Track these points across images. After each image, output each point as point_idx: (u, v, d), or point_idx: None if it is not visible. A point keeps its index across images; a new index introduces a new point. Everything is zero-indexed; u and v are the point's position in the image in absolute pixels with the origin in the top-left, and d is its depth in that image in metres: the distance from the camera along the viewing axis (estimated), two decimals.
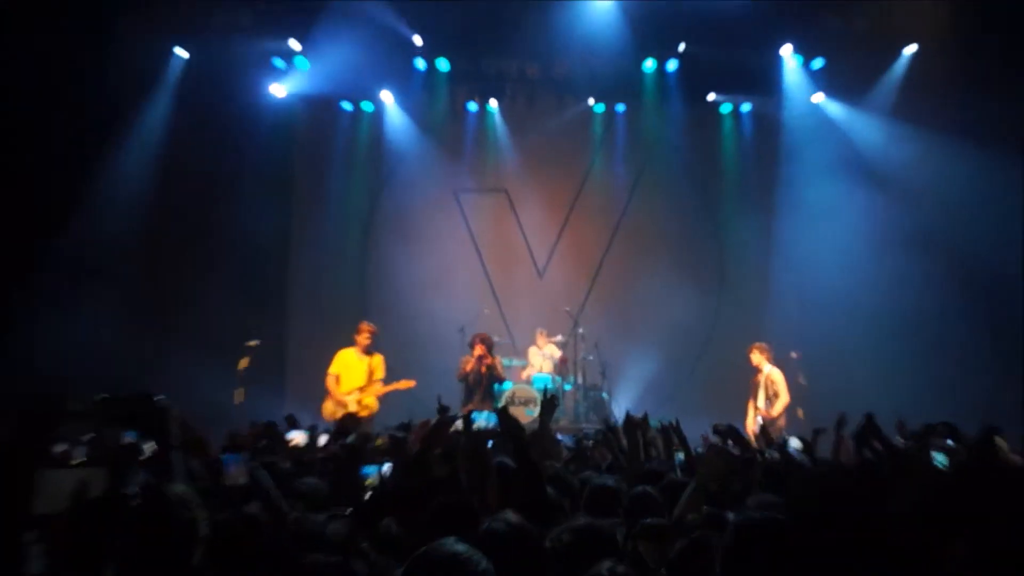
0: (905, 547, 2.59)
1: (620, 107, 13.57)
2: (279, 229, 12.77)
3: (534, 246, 13.59)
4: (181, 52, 11.66)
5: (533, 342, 12.01)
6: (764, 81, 12.66)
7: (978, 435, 4.32)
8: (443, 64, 12.92)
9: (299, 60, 12.44)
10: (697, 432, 5.98)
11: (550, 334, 11.99)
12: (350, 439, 5.03)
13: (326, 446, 5.81)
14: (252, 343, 9.61)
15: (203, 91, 11.27)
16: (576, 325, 11.82)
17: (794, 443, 5.59)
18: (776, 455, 4.85)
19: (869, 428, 4.30)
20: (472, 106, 13.52)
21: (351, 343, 9.68)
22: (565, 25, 11.75)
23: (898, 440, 4.93)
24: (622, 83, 13.06)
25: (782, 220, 12.38)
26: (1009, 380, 9.54)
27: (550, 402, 4.54)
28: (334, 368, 9.56)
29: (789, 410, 9.85)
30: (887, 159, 11.55)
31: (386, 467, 4.58)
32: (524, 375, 11.60)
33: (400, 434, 4.89)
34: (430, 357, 11.60)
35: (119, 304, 9.92)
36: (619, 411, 10.68)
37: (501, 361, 10.64)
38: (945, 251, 10.67)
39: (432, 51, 12.73)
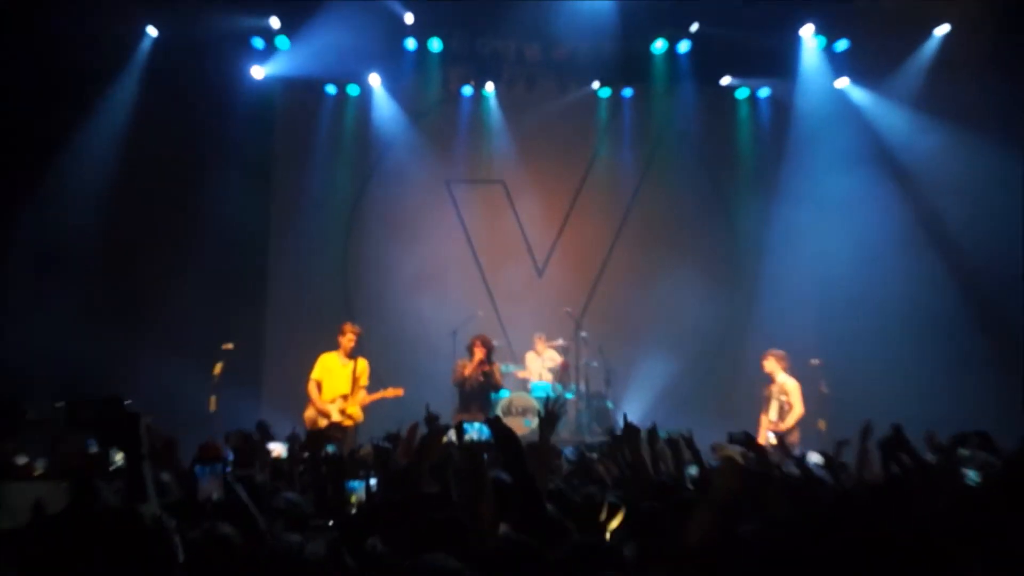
0: (928, 570, 2.60)
1: (627, 91, 13.57)
2: (257, 222, 12.74)
3: (533, 242, 13.59)
4: (151, 30, 11.64)
5: (531, 347, 12.00)
6: (783, 64, 12.68)
7: (1016, 447, 4.32)
8: (435, 44, 12.91)
9: (280, 39, 12.42)
10: (706, 447, 5.98)
11: (550, 338, 11.98)
12: (331, 450, 5.02)
13: (293, 458, 5.79)
14: (227, 346, 9.58)
15: (175, 72, 11.25)
16: (578, 328, 11.81)
17: (814, 458, 5.58)
18: (795, 470, 4.84)
19: (896, 441, 4.29)
20: (466, 90, 13.51)
21: (334, 346, 9.67)
22: (567, 2, 11.74)
23: (929, 455, 4.93)
24: (629, 65, 13.06)
25: (802, 214, 12.37)
26: None
27: (552, 416, 4.50)
28: (316, 373, 9.55)
29: (810, 421, 9.86)
30: (914, 150, 11.58)
31: (373, 481, 4.57)
32: (520, 376, 11.60)
33: (386, 445, 4.88)
34: (420, 362, 11.58)
35: (80, 301, 9.92)
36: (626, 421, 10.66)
37: (500, 368, 10.64)
38: (977, 250, 10.69)
39: (423, 30, 12.71)
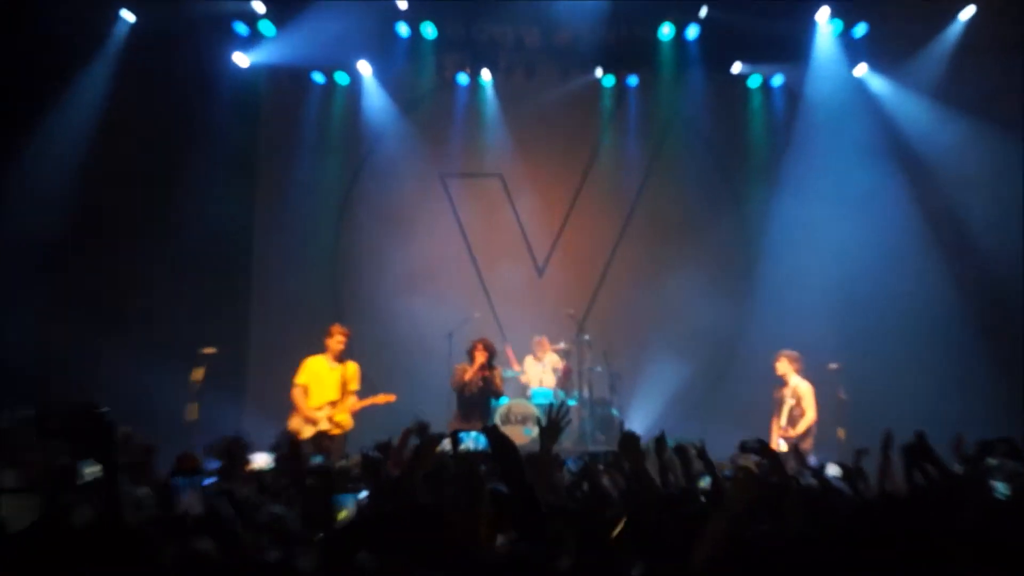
0: None
1: (632, 79, 13.55)
2: (240, 218, 12.73)
3: (532, 239, 13.58)
4: (126, 15, 11.60)
5: (531, 351, 11.97)
6: (797, 50, 12.68)
7: None
8: (429, 30, 12.90)
9: (264, 25, 12.41)
10: (725, 454, 5.96)
11: (551, 341, 11.95)
12: (318, 460, 5.00)
13: (279, 470, 5.77)
14: (208, 350, 9.56)
15: (153, 60, 11.21)
16: (581, 331, 11.79)
17: (832, 470, 5.56)
18: (812, 481, 4.82)
19: (920, 449, 4.27)
20: (462, 78, 13.49)
21: (321, 349, 9.65)
22: None
23: (955, 465, 4.90)
24: (635, 52, 13.06)
25: (818, 209, 12.35)
26: None
27: (555, 425, 4.46)
28: (302, 378, 9.52)
29: (828, 430, 9.84)
30: (934, 142, 11.57)
31: (363, 494, 4.55)
32: (520, 381, 11.57)
33: (376, 455, 4.85)
34: (413, 366, 11.57)
35: (51, 302, 9.88)
36: (632, 430, 10.65)
37: (502, 373, 10.60)
38: (1003, 248, 10.67)
39: (417, 15, 12.71)
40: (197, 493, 4.04)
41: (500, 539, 3.56)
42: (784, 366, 9.98)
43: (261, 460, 6.61)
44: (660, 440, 5.22)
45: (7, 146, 10.18)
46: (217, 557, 3.21)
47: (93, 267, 10.76)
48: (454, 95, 13.54)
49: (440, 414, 10.10)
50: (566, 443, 10.76)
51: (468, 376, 9.93)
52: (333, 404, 9.45)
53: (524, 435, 10.31)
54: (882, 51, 12.41)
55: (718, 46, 12.87)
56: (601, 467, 6.30)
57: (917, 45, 12.00)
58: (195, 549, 3.21)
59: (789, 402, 9.82)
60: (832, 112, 12.60)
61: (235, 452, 6.31)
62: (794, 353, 10.03)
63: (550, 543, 3.45)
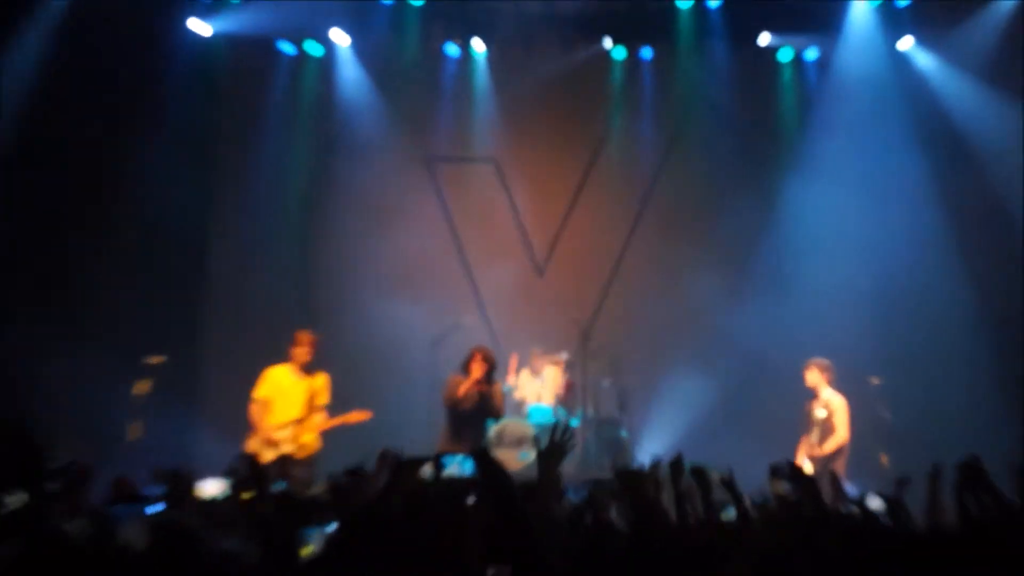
0: None
1: (646, 52, 13.52)
2: (195, 207, 12.67)
3: (531, 234, 13.56)
4: None
5: (528, 363, 11.94)
6: (833, 21, 12.68)
7: None
8: None
9: None
10: (753, 480, 5.91)
11: (551, 351, 11.92)
12: (280, 487, 4.95)
13: (233, 498, 5.74)
14: (154, 359, 9.52)
15: (96, 26, 11.15)
16: (586, 339, 11.75)
17: (875, 503, 5.52)
18: (854, 509, 4.78)
19: (974, 476, 4.24)
20: (452, 49, 13.47)
21: (286, 358, 9.60)
22: None
23: (1015, 494, 4.86)
24: (649, 21, 13.07)
25: (858, 202, 12.35)
26: None
27: (558, 449, 4.38)
28: (262, 392, 9.48)
29: (869, 453, 9.81)
30: (989, 126, 11.55)
31: (332, 528, 4.51)
32: (516, 397, 11.54)
33: (346, 480, 4.81)
34: (392, 380, 11.55)
35: None
36: (644, 454, 10.62)
37: (502, 389, 10.49)
38: None
39: None
40: (140, 524, 4.00)
41: (490, 571, 3.54)
42: (814, 377, 9.96)
43: (212, 487, 6.57)
44: (676, 464, 5.17)
45: None
46: None
47: (20, 263, 10.69)
48: (442, 69, 13.51)
49: (423, 435, 10.05)
50: (567, 469, 10.71)
51: (462, 391, 9.79)
52: (298, 422, 9.40)
53: (519, 460, 10.26)
54: (929, 22, 12.40)
55: (744, 15, 12.87)
56: (608, 496, 6.26)
57: (969, 14, 11.98)
58: None
59: (819, 417, 9.79)
60: (873, 91, 12.59)
61: (182, 478, 6.27)
62: (825, 361, 10.01)
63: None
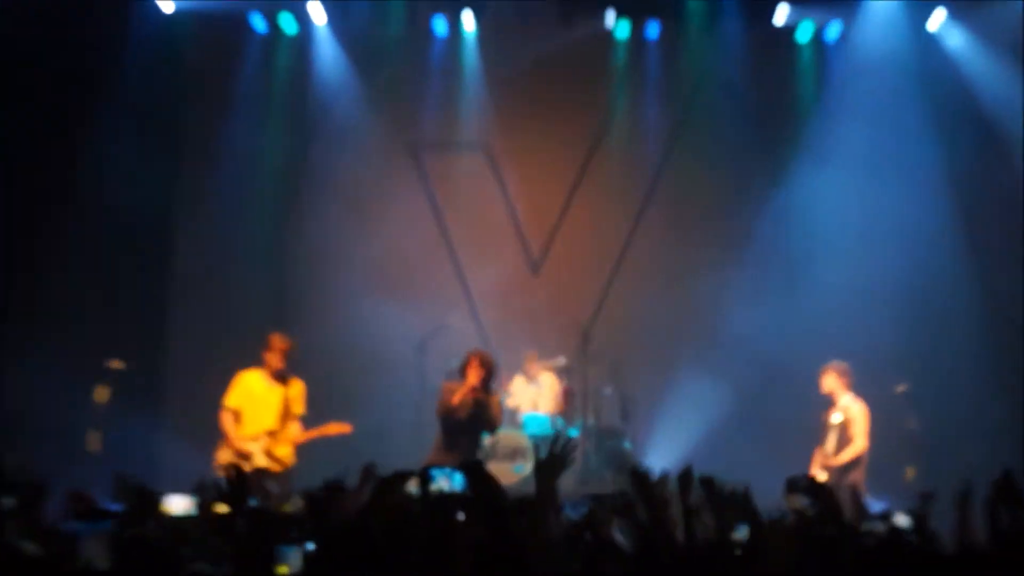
0: None
1: (653, 28, 13.52)
2: (159, 197, 12.65)
3: (526, 227, 13.57)
4: None
5: (522, 368, 11.94)
6: None
7: None
8: None
9: None
10: (768, 493, 5.91)
11: (548, 355, 11.92)
12: (252, 504, 4.94)
13: (203, 514, 5.74)
14: (115, 364, 9.50)
15: (47, 2, 11.14)
16: (586, 342, 11.76)
17: (901, 521, 5.54)
18: (878, 526, 4.80)
19: (1006, 493, 4.25)
20: (439, 26, 13.46)
21: (259, 363, 9.59)
22: None
23: None
24: None
25: (883, 194, 12.36)
26: None
27: (558, 461, 4.38)
28: (232, 400, 9.46)
29: (894, 467, 9.82)
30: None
31: (310, 547, 4.51)
32: (510, 405, 11.54)
33: (324, 495, 4.80)
34: (374, 387, 11.54)
35: None
36: (650, 466, 10.60)
37: (500, 400, 10.37)
38: None
39: None
40: (102, 542, 4.01)
41: None
42: (831, 382, 9.96)
43: (179, 504, 6.57)
44: (685, 477, 5.17)
45: None
46: None
47: None
48: (429, 47, 13.52)
49: (408, 447, 10.05)
50: (565, 484, 10.71)
51: (457, 399, 9.63)
52: (272, 434, 9.38)
53: (513, 473, 10.28)
54: None
55: None
56: (609, 513, 6.26)
57: None
58: None
59: (835, 424, 9.80)
60: (898, 73, 12.62)
61: (145, 494, 6.27)
62: (843, 365, 10.01)
63: None
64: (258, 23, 13.22)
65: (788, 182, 13.15)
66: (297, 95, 13.32)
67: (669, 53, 13.53)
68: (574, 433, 11.34)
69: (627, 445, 11.53)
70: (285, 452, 9.43)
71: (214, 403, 9.54)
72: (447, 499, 4.40)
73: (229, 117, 13.08)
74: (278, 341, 9.58)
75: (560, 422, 11.35)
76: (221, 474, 8.96)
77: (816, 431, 10.19)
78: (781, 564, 3.65)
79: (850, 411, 9.79)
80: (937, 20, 12.70)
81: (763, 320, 12.32)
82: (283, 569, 4.46)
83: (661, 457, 11.15)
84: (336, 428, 9.49)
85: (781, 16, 13.13)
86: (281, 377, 9.55)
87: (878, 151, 12.50)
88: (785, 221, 13.13)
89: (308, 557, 4.37)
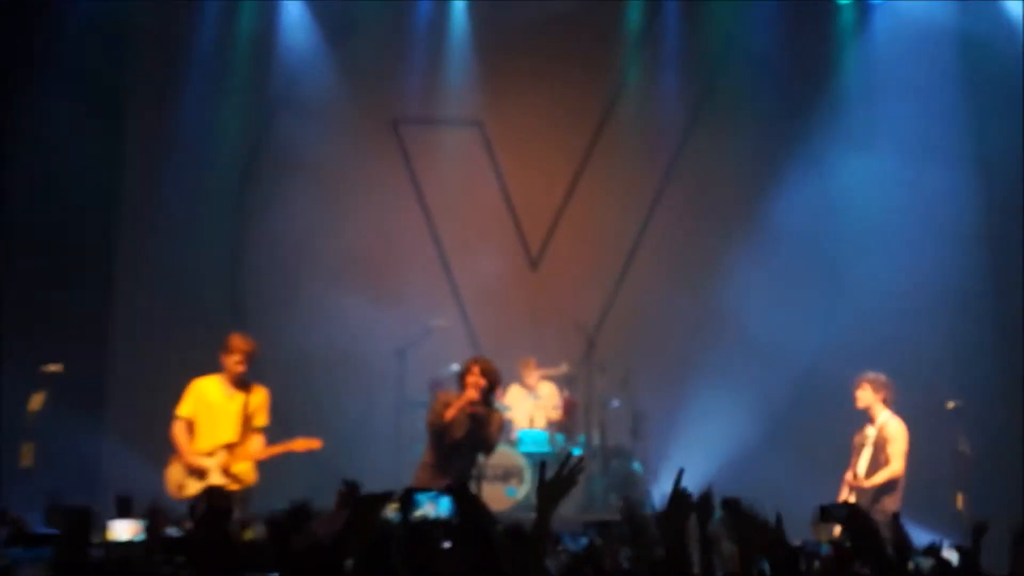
0: None
1: None
2: (101, 180, 12.65)
3: (523, 216, 13.59)
4: None
5: (518, 377, 11.95)
6: None
7: None
8: None
9: None
10: (797, 527, 5.92)
11: (547, 363, 11.94)
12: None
13: (151, 541, 5.75)
14: (51, 368, 9.50)
15: None
16: (591, 348, 11.77)
17: (950, 557, 5.55)
18: (925, 563, 4.81)
19: None
20: None
21: (216, 368, 9.59)
22: None
23: None
24: None
25: (932, 181, 12.37)
26: None
27: (564, 484, 4.37)
28: (185, 409, 9.42)
29: (941, 494, 9.84)
30: None
31: None
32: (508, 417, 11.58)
33: (289, 520, 4.81)
34: (348, 397, 11.55)
35: None
36: (662, 491, 10.61)
37: (502, 416, 10.26)
38: None
39: None
40: (40, 570, 4.03)
41: None
42: (867, 396, 9.93)
43: (124, 529, 6.57)
44: (703, 503, 5.18)
45: None
46: None
47: None
48: (414, 9, 13.56)
49: (387, 467, 10.07)
50: (565, 510, 10.72)
51: (451, 413, 9.55)
52: (230, 448, 9.38)
53: (506, 497, 10.29)
54: None
55: None
56: (617, 543, 6.28)
57: None
58: None
59: (870, 443, 9.80)
60: (959, 43, 12.63)
61: (81, 517, 6.29)
62: (880, 377, 9.97)
63: None
64: None
65: (825, 168, 13.19)
66: (260, 63, 13.32)
67: (690, 16, 13.60)
68: (577, 452, 11.34)
69: (636, 466, 11.55)
70: (245, 469, 9.41)
71: (165, 412, 9.52)
72: (431, 526, 4.41)
73: (182, 88, 13.09)
74: (239, 343, 9.55)
75: (560, 439, 11.36)
76: (174, 494, 9.01)
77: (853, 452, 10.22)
78: None
79: (887, 429, 9.76)
80: None
81: (795, 325, 12.39)
82: None
83: (674, 480, 11.17)
84: (303, 444, 9.47)
85: None
86: (242, 384, 9.53)
87: (928, 133, 12.51)
88: (821, 212, 13.16)
89: None
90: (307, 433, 9.55)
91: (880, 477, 9.60)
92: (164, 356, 11.37)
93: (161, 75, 13.13)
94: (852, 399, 10.13)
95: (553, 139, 13.60)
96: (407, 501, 4.75)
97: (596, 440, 11.65)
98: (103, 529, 6.59)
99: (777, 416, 12.38)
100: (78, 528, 6.17)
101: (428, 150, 13.63)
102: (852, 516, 5.15)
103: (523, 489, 10.74)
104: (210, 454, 9.34)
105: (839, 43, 13.48)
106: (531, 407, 11.79)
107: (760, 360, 12.34)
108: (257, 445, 9.47)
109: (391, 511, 4.70)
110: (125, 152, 13.11)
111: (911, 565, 5.20)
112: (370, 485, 4.87)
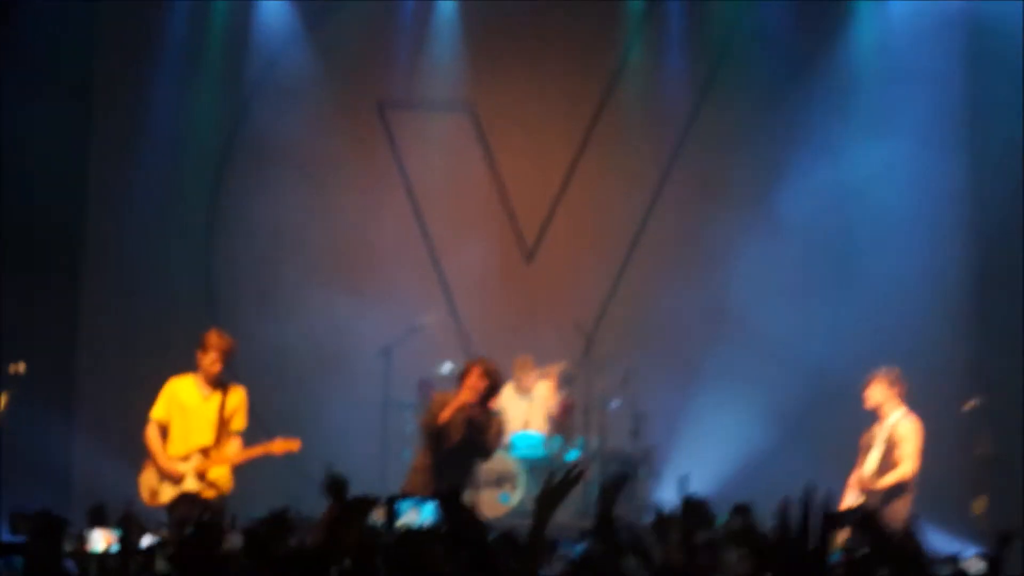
0: None
1: None
2: (68, 170, 12.70)
3: (517, 205, 13.58)
4: None
5: (511, 376, 11.95)
6: None
7: None
8: None
9: None
10: None
11: (543, 362, 11.96)
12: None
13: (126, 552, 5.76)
14: (15, 367, 9.50)
15: None
16: (589, 345, 11.78)
17: (975, 568, 5.57)
18: (945, 572, 4.82)
19: None
20: None
21: (190, 367, 9.58)
22: None
23: None
24: None
25: (951, 169, 12.39)
26: None
27: (561, 489, 4.37)
28: (159, 411, 9.43)
29: (959, 498, 9.86)
30: None
31: None
32: None
33: (267, 529, 4.83)
34: (328, 399, 11.56)
35: None
36: (667, 497, 10.63)
37: (502, 421, 10.24)
38: None
39: None
40: None
41: None
42: (879, 392, 9.92)
43: (99, 539, 6.58)
44: (699, 510, 5.20)
45: None
46: None
47: None
48: None
49: (371, 472, 10.07)
50: (562, 516, 10.73)
51: (446, 415, 9.54)
52: (206, 451, 9.39)
53: (499, 503, 10.30)
54: None
55: None
56: (621, 551, 6.28)
57: None
58: None
59: (880, 443, 9.80)
60: (975, 27, 12.64)
61: (54, 525, 6.29)
62: (893, 372, 9.96)
63: None
64: None
65: (837, 155, 13.18)
66: (236, 45, 13.32)
67: None
68: (574, 455, 11.37)
69: (639, 471, 11.54)
70: (221, 474, 9.42)
71: (137, 413, 9.54)
72: (417, 534, 4.41)
73: (153, 74, 13.10)
74: (215, 340, 9.54)
75: (557, 442, 11.37)
76: (147, 500, 9.02)
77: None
78: None
79: (899, 427, 9.76)
80: None
81: (805, 320, 12.41)
82: None
83: (678, 485, 11.18)
84: (282, 445, 9.49)
85: None
86: (218, 384, 9.52)
87: (949, 119, 12.52)
88: (833, 202, 13.15)
89: None
90: (286, 435, 9.59)
91: (890, 479, 9.61)
92: (136, 354, 11.39)
93: (132, 61, 13.14)
94: (862, 398, 10.16)
95: (549, 123, 13.59)
96: (391, 507, 4.74)
97: (594, 443, 11.66)
98: (75, 537, 6.60)
99: (786, 416, 12.33)
100: (49, 536, 6.18)
101: (416, 135, 13.61)
102: (866, 522, 5.16)
103: (517, 495, 10.75)
104: (185, 459, 9.35)
105: (852, 22, 13.46)
106: (525, 409, 11.79)
107: (768, 357, 12.35)
108: (234, 448, 9.48)
109: (377, 518, 4.70)
110: (93, 141, 13.10)
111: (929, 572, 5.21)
112: (354, 491, 4.88)
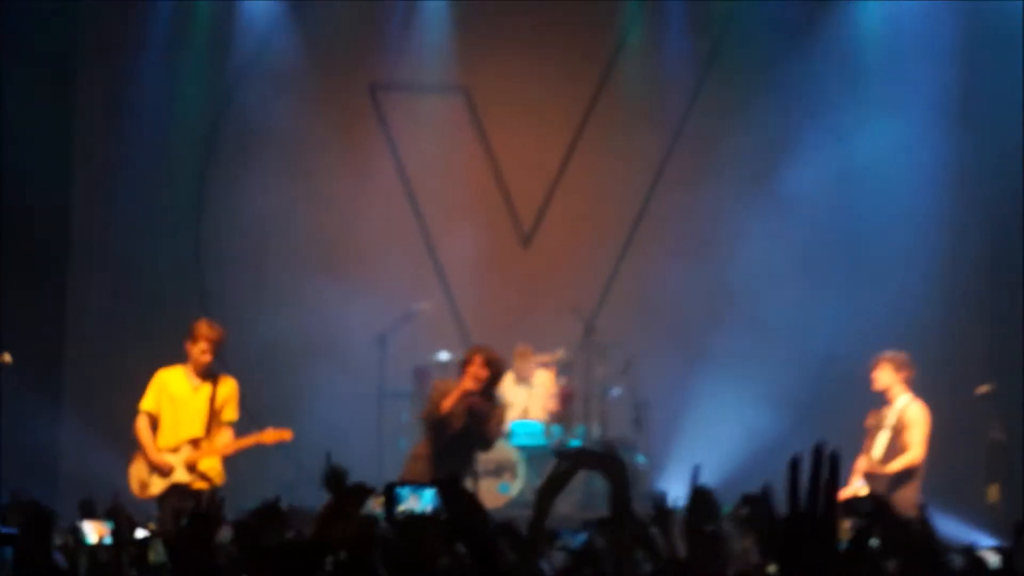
0: None
1: None
2: (52, 158, 12.69)
3: (514, 190, 13.59)
4: None
5: (510, 364, 11.95)
6: None
7: None
8: None
9: None
10: None
11: (542, 349, 11.97)
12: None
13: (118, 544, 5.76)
14: (2, 358, 9.50)
15: None
16: (589, 332, 11.79)
17: (989, 558, 5.56)
18: (957, 562, 4.81)
19: None
20: None
21: (180, 358, 9.59)
22: None
23: None
24: None
25: (963, 151, 12.39)
26: None
27: (561, 478, 4.37)
28: (148, 402, 9.47)
29: (973, 485, 9.86)
30: None
31: None
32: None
33: (258, 521, 4.82)
34: (321, 387, 11.56)
35: None
36: (671, 487, 10.63)
37: (504, 411, 10.23)
38: None
39: None
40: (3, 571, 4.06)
41: None
42: (886, 376, 9.93)
43: (91, 531, 6.59)
44: (702, 498, 5.18)
45: None
46: None
47: None
48: None
49: (366, 462, 10.06)
50: (563, 507, 10.75)
51: (447, 404, 9.54)
52: (196, 443, 9.40)
53: (499, 493, 10.31)
54: None
55: None
56: (629, 542, 6.28)
57: None
58: None
59: (887, 428, 9.81)
60: (987, 5, 12.64)
61: (43, 517, 6.30)
62: (900, 355, 9.98)
63: None
64: None
65: (847, 134, 13.18)
66: (222, 27, 13.35)
67: None
68: (575, 444, 11.37)
69: (640, 460, 11.55)
70: (212, 465, 9.45)
71: (126, 404, 9.57)
72: (416, 523, 4.41)
73: (138, 55, 13.10)
74: (205, 330, 9.57)
75: (557, 431, 11.38)
76: (137, 493, 9.03)
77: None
78: None
79: (907, 412, 9.77)
80: None
81: (812, 303, 12.40)
82: None
83: (680, 474, 11.18)
84: (274, 435, 9.51)
85: None
86: (208, 375, 9.56)
87: (962, 98, 12.54)
88: (840, 182, 13.16)
89: None
90: (278, 425, 9.61)
91: (898, 464, 9.62)
92: (124, 345, 11.39)
93: (115, 46, 13.16)
94: (869, 381, 10.16)
95: (546, 105, 13.56)
96: (390, 495, 4.74)
97: (595, 431, 11.67)
98: (65, 529, 6.61)
99: (793, 402, 12.32)
100: (38, 529, 6.20)
101: (409, 118, 13.63)
102: (878, 510, 5.15)
103: (517, 485, 10.77)
104: (175, 450, 9.37)
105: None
106: (525, 397, 11.80)
107: (774, 343, 12.37)
108: (225, 439, 9.50)
109: (375, 506, 4.70)
110: (78, 129, 13.12)
111: (943, 563, 5.21)
112: (350, 481, 4.88)
